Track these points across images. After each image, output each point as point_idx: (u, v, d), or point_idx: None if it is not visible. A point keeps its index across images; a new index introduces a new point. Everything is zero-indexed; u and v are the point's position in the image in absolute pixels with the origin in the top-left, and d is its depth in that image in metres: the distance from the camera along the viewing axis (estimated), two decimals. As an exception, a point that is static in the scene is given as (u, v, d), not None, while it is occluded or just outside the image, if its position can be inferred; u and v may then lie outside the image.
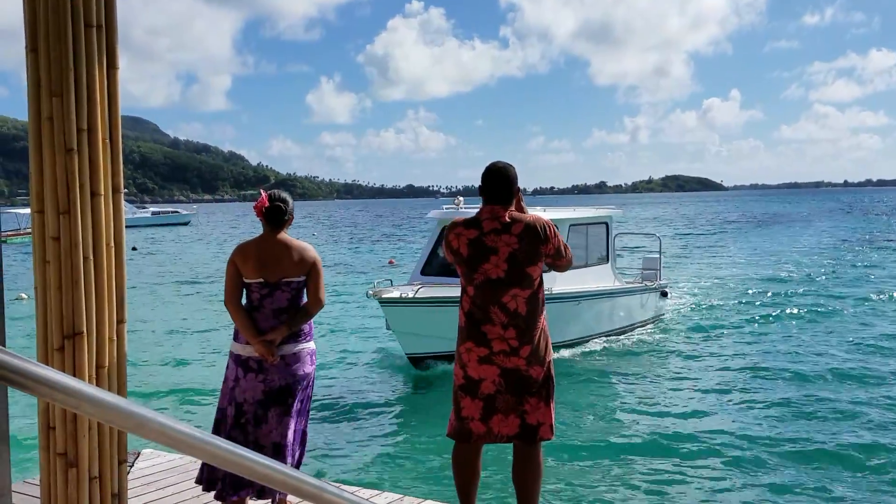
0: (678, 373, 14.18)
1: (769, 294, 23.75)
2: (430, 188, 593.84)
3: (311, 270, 4.41)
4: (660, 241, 20.87)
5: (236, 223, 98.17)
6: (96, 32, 3.40)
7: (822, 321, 19.02)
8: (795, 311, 20.36)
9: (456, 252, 4.16)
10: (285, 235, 4.46)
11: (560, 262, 4.29)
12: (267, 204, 4.40)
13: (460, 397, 4.15)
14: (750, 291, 24.54)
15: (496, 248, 4.07)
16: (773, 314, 20.06)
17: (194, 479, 4.41)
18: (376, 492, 5.24)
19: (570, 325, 15.36)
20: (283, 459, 4.28)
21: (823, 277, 28.23)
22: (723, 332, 17.84)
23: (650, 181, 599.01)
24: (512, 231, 4.09)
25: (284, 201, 4.45)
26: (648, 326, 18.09)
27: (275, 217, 4.41)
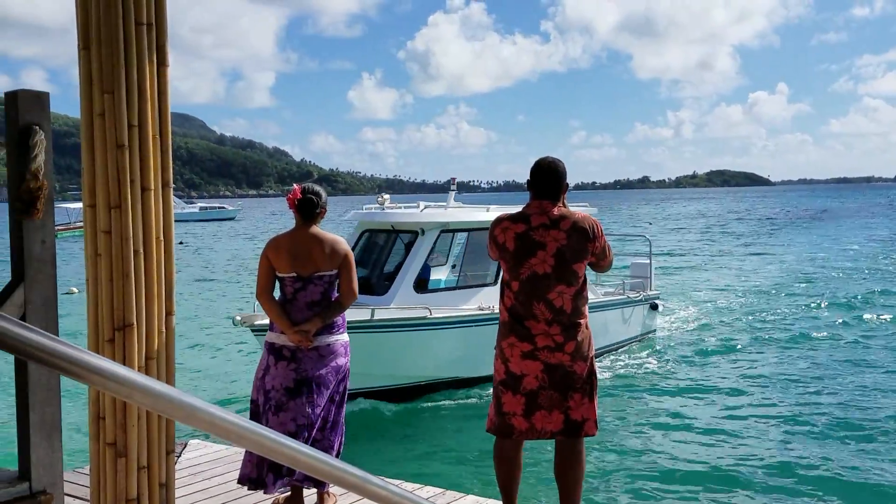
0: (657, 409, 11.69)
1: (798, 305, 20.47)
2: (471, 183, 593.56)
3: (343, 264, 4.47)
4: (650, 243, 18.06)
5: (280, 218, 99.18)
6: (146, 30, 3.46)
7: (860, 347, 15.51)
8: (823, 331, 16.87)
9: (502, 246, 4.13)
10: (317, 229, 4.51)
11: (603, 262, 4.29)
12: (300, 196, 4.46)
13: (501, 392, 4.14)
14: (774, 302, 21.21)
15: (544, 243, 4.05)
16: (795, 332, 16.89)
17: (237, 481, 4.47)
18: (418, 485, 5.27)
19: None
20: (321, 450, 4.37)
21: (869, 283, 24.72)
22: (723, 355, 14.92)
23: (694, 176, 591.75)
24: (560, 227, 4.07)
25: (317, 194, 4.50)
26: (633, 346, 15.47)
27: (307, 209, 4.47)
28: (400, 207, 13.11)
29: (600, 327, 13.59)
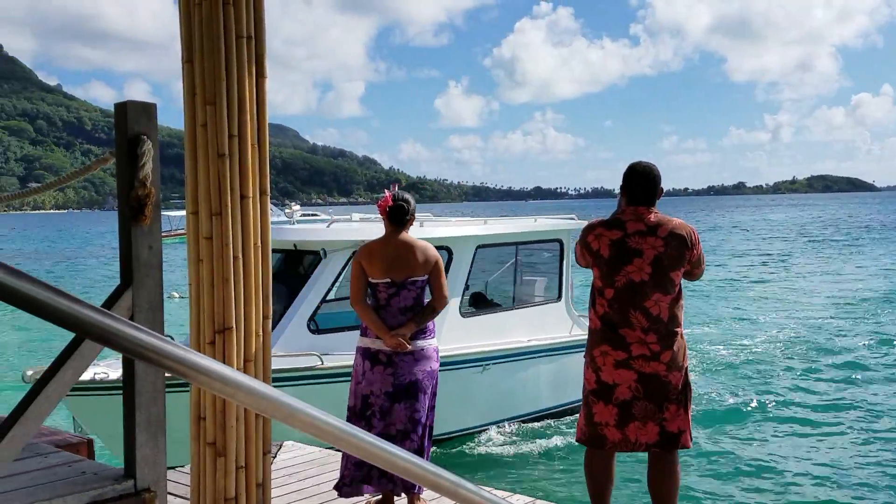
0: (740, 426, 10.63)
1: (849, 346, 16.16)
2: (558, 190, 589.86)
3: (433, 269, 4.52)
4: None
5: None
6: (246, 43, 3.58)
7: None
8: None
9: (596, 253, 4.04)
10: (408, 235, 4.57)
11: (697, 271, 4.19)
12: (391, 203, 4.53)
13: (592, 402, 4.06)
14: (825, 335, 17.39)
15: (640, 250, 3.96)
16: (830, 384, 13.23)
17: (334, 488, 4.54)
18: (507, 493, 5.24)
19: (483, 403, 10.06)
20: (414, 453, 4.41)
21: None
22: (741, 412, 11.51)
23: (794, 181, 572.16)
24: (658, 234, 3.98)
25: (407, 201, 4.57)
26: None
27: (398, 216, 4.54)
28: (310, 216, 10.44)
29: (556, 377, 10.47)
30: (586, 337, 4.21)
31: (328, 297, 9.37)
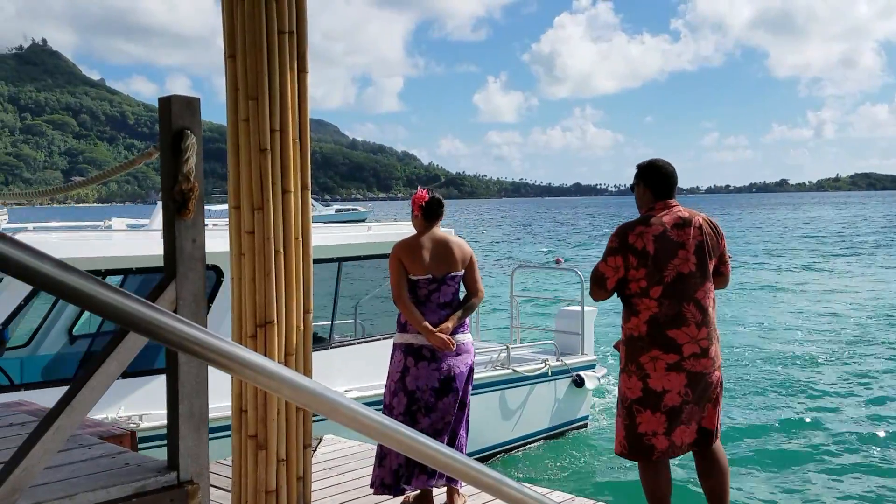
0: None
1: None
2: (598, 186, 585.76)
3: (469, 264, 4.59)
4: (582, 281, 9.98)
5: (408, 220, 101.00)
6: (288, 38, 3.59)
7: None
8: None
9: (642, 252, 3.91)
10: (441, 231, 4.60)
11: (726, 270, 4.15)
12: (427, 198, 4.56)
13: (636, 412, 3.94)
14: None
15: (683, 241, 3.93)
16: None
17: (370, 485, 4.54)
18: (546, 490, 5.22)
19: None
20: (457, 447, 4.45)
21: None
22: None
23: (837, 179, 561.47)
24: (693, 223, 3.98)
25: (438, 198, 4.63)
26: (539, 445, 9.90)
27: (433, 211, 4.58)
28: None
29: (480, 419, 7.35)
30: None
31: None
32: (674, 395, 3.89)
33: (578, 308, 10.36)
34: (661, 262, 3.92)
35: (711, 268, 4.01)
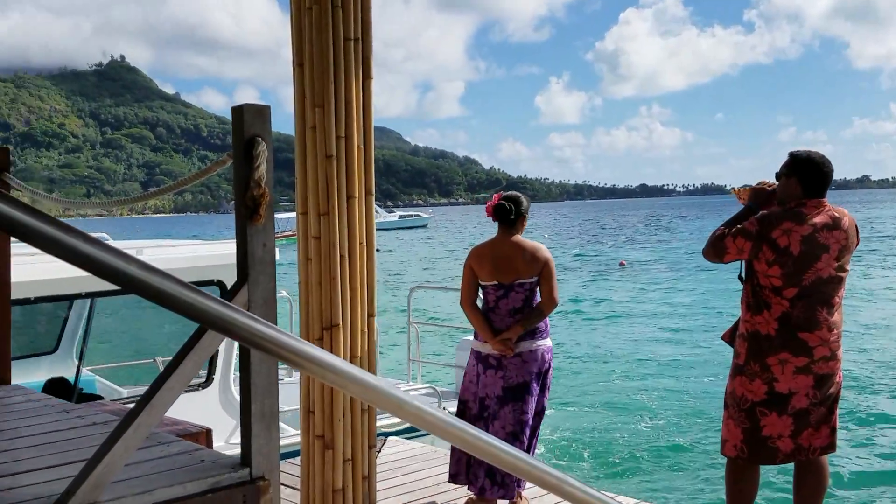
0: None
1: None
2: (665, 187, 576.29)
3: (543, 270, 4.48)
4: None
5: (469, 225, 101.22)
6: (354, 45, 3.66)
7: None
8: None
9: (784, 251, 3.72)
10: (519, 237, 4.55)
11: (845, 274, 3.91)
12: (495, 202, 4.56)
13: (760, 415, 3.80)
14: None
15: (827, 245, 3.75)
16: None
17: (449, 474, 4.60)
18: (612, 494, 5.18)
19: None
20: None
21: None
22: None
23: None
24: (841, 226, 3.79)
25: (512, 200, 4.55)
26: None
27: (502, 216, 4.52)
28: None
29: None
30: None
31: None
32: (801, 398, 3.76)
33: None
34: (803, 265, 3.72)
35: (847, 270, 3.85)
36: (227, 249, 6.64)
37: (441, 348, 15.65)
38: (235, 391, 6.56)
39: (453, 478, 4.55)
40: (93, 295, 6.01)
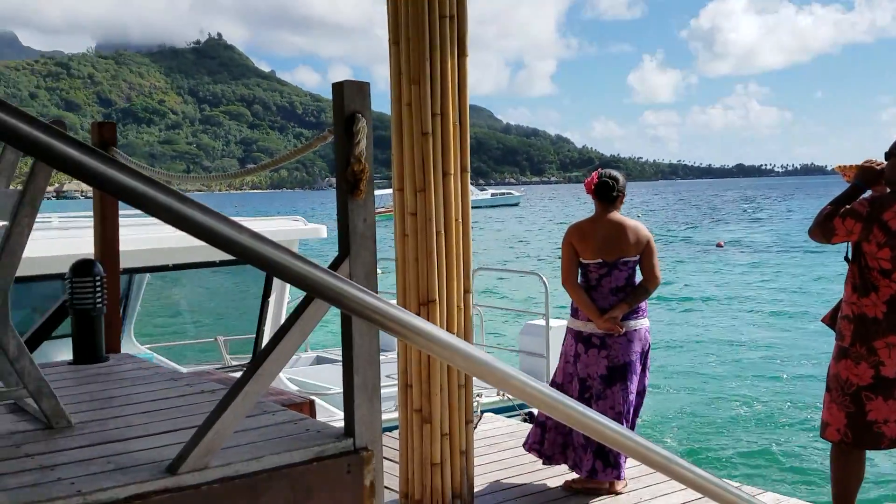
0: None
1: None
2: (763, 167, 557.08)
3: (645, 248, 4.41)
4: (546, 286, 7.57)
5: (561, 204, 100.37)
6: (449, 23, 3.66)
7: None
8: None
9: (894, 233, 3.62)
10: (618, 215, 4.47)
11: None
12: (596, 181, 4.48)
13: (866, 399, 3.72)
14: None
15: None
16: None
17: (529, 448, 4.62)
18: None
19: None
20: None
21: None
22: None
23: None
24: None
25: (614, 178, 4.49)
26: None
27: (604, 193, 4.45)
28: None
29: None
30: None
31: None
32: None
33: (541, 322, 7.61)
34: None
35: None
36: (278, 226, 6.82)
37: (502, 330, 15.02)
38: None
39: (548, 459, 4.54)
40: (179, 267, 6.24)
